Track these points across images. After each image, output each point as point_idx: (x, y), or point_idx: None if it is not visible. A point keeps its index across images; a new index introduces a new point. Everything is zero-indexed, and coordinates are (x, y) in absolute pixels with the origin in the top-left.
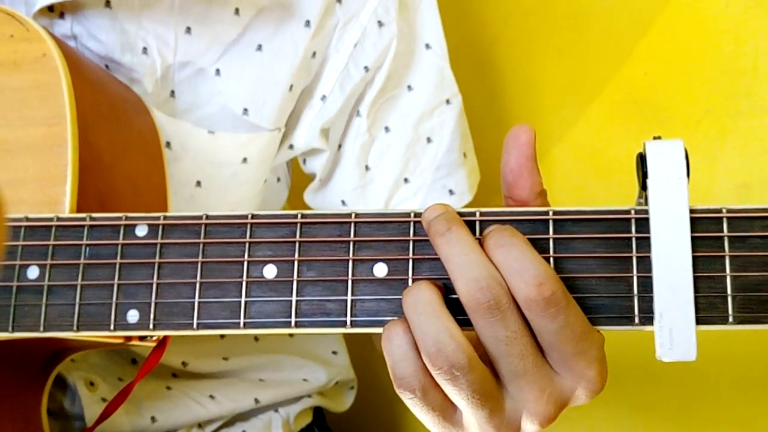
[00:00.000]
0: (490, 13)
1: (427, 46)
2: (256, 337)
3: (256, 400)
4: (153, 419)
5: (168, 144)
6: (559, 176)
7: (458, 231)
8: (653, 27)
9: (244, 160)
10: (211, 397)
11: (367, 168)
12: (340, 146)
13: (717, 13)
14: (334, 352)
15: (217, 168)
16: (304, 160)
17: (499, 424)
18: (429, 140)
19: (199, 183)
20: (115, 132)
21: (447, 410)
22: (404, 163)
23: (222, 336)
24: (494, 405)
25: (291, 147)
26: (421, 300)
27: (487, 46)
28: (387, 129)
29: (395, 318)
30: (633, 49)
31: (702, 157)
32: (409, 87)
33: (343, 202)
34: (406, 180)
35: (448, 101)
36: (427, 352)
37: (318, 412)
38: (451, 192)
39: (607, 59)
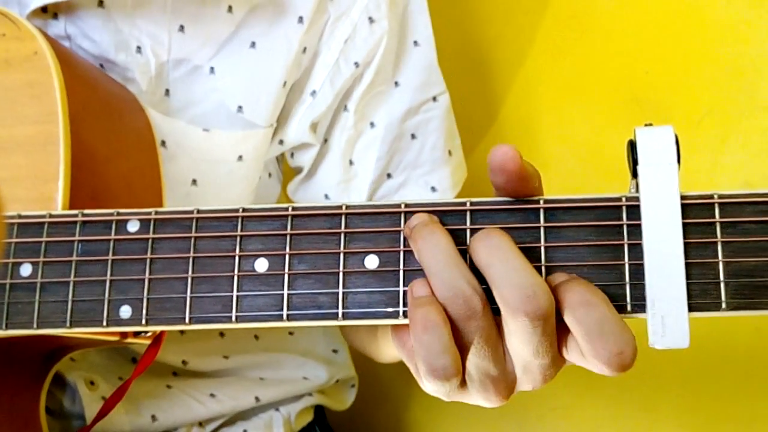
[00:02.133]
0: (490, 12)
1: (416, 43)
2: (256, 336)
3: (257, 399)
4: (153, 418)
5: (163, 143)
6: (559, 175)
7: (499, 238)
8: (654, 26)
9: (240, 157)
10: (212, 395)
11: (351, 162)
12: (326, 140)
13: (718, 12)
14: (335, 351)
15: (212, 166)
16: (292, 154)
17: (497, 382)
18: (413, 136)
19: (194, 181)
20: (109, 130)
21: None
22: (388, 158)
23: (222, 334)
24: (497, 361)
25: (281, 142)
26: (439, 246)
27: (488, 45)
28: (372, 124)
29: (422, 301)
30: (634, 47)
31: (703, 156)
32: (396, 83)
33: (327, 196)
34: (389, 175)
35: (434, 98)
36: (443, 296)
37: (319, 410)
38: (433, 189)
39: (608, 58)
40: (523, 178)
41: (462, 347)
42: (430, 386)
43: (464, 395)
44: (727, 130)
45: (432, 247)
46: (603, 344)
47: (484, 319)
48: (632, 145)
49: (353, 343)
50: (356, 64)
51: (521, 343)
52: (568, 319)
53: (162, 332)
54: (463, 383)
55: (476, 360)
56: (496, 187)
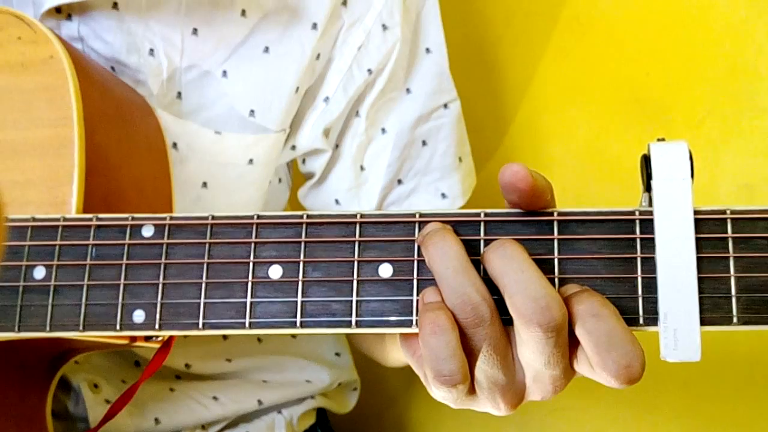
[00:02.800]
0: (492, 14)
1: (428, 50)
2: (259, 339)
3: (260, 402)
4: (156, 421)
5: (175, 145)
6: (561, 176)
7: (513, 248)
8: (656, 27)
9: (250, 161)
10: (215, 398)
11: (362, 168)
12: (337, 146)
13: (719, 13)
14: (337, 354)
15: (223, 169)
16: (304, 160)
17: (504, 393)
18: (424, 143)
19: (205, 184)
20: (121, 134)
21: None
22: (399, 164)
23: (225, 337)
24: (506, 368)
25: (293, 148)
26: (448, 253)
27: (490, 47)
28: (384, 130)
29: (432, 306)
30: (635, 49)
31: (704, 158)
32: (408, 90)
33: (337, 201)
34: (399, 181)
35: (446, 105)
36: (452, 303)
37: (321, 413)
38: (443, 195)
39: (609, 59)
40: (535, 194)
41: (470, 354)
42: (438, 393)
43: (473, 403)
44: (728, 131)
45: (442, 253)
46: (612, 356)
47: (492, 327)
48: (646, 160)
49: (360, 347)
50: (369, 71)
51: (533, 353)
52: (578, 330)
53: (172, 336)
54: (471, 390)
55: (485, 368)
56: (509, 202)
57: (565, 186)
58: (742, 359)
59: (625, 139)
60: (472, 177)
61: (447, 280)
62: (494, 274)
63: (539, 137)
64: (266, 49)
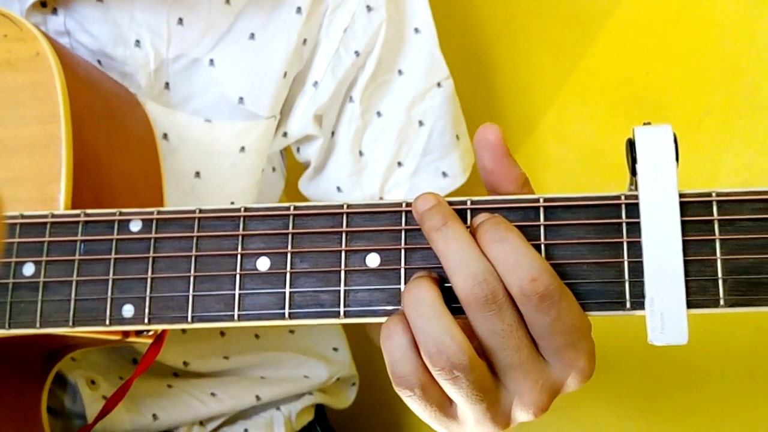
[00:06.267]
0: (491, 12)
1: (417, 30)
2: (256, 335)
3: (258, 398)
4: (154, 417)
5: (165, 136)
6: (560, 176)
7: (454, 226)
8: (655, 25)
9: (242, 149)
10: (212, 394)
11: (361, 153)
12: (333, 133)
13: (719, 11)
14: (335, 349)
15: (215, 158)
16: (298, 149)
17: (494, 416)
18: (421, 123)
19: (198, 174)
20: (110, 129)
21: (444, 405)
22: (397, 147)
23: (222, 334)
24: (492, 399)
25: (285, 135)
26: (423, 300)
27: (489, 45)
28: (379, 114)
29: (394, 315)
30: (635, 47)
31: (704, 156)
32: (400, 71)
33: (339, 189)
34: (399, 164)
35: (439, 84)
36: (428, 352)
37: (320, 409)
38: (444, 174)
39: (608, 58)
40: (506, 155)
41: (451, 392)
42: (411, 406)
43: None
44: (728, 130)
45: (416, 300)
46: (517, 273)
47: (474, 374)
48: (631, 144)
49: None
50: (357, 53)
51: (486, 335)
52: (488, 256)
53: (164, 331)
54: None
55: (471, 407)
56: (484, 174)
57: (563, 184)
58: (741, 357)
59: (624, 139)
60: (470, 154)
61: (421, 327)
62: (438, 254)
63: (538, 136)
64: (252, 36)
